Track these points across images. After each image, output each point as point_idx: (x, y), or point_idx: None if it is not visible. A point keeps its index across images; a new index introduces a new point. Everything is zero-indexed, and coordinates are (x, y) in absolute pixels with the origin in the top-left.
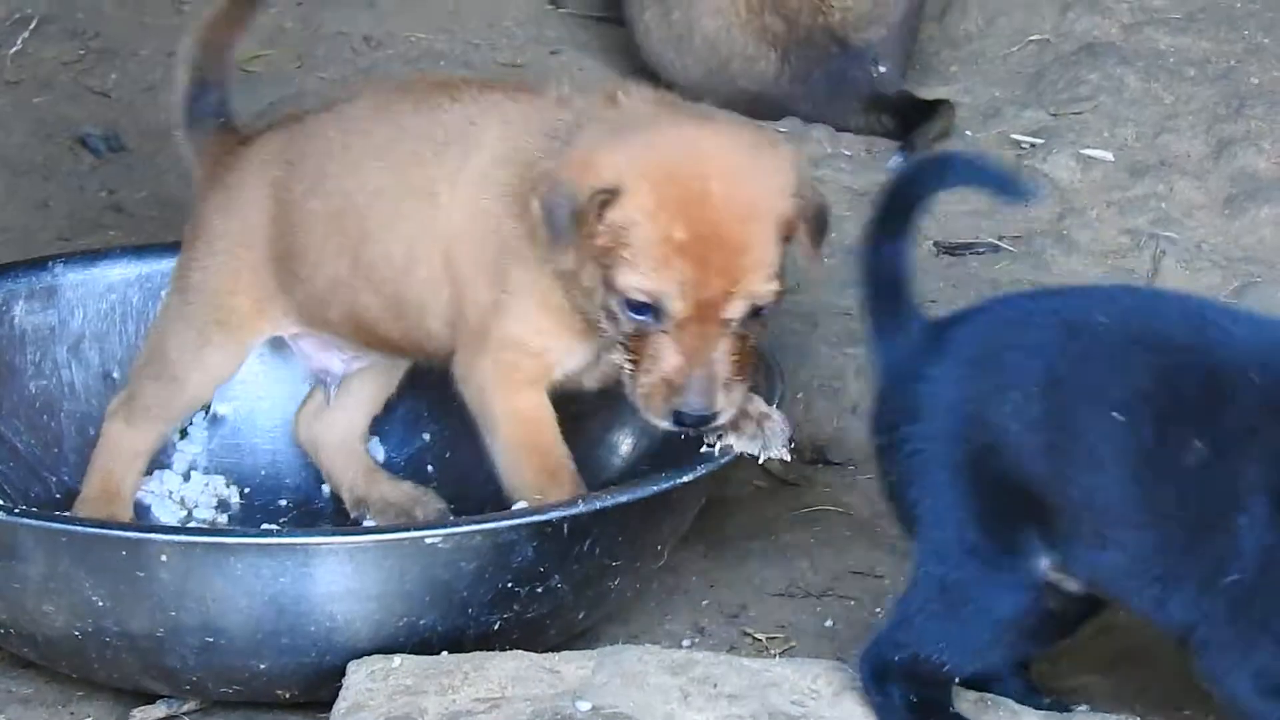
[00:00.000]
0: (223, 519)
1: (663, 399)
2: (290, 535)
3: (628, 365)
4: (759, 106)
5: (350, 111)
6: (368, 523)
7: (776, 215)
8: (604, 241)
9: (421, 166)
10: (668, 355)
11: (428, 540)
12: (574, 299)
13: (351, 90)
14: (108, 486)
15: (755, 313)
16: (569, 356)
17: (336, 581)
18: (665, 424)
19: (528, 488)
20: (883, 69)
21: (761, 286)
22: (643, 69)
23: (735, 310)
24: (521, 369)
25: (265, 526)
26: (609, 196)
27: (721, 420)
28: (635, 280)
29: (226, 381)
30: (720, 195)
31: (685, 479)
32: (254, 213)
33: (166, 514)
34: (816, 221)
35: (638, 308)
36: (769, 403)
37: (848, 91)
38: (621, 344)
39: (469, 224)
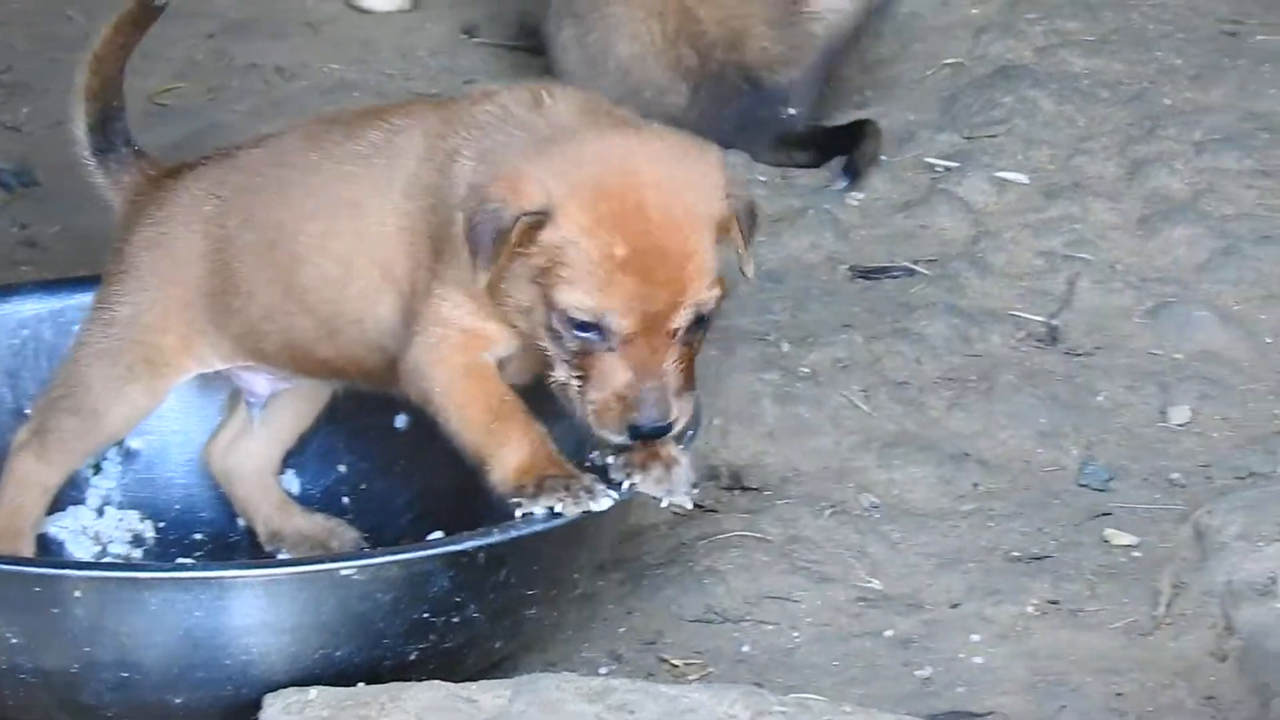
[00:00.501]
0: (137, 554)
1: (617, 415)
2: (205, 569)
3: (574, 382)
4: None
5: (280, 144)
6: (282, 556)
7: (711, 218)
8: (540, 261)
9: (350, 183)
10: (617, 372)
11: (343, 572)
12: (509, 317)
13: (284, 126)
14: (14, 522)
15: (699, 320)
16: (499, 343)
17: (252, 615)
18: (620, 439)
19: (477, 437)
20: (792, 111)
21: (706, 293)
22: None
23: (682, 320)
24: (454, 340)
25: (180, 561)
26: (539, 219)
27: (676, 429)
28: (577, 299)
29: (145, 418)
30: (656, 205)
31: (599, 508)
32: (184, 249)
33: (81, 550)
34: (748, 219)
35: (582, 326)
36: (681, 439)
37: (756, 131)
38: (566, 361)
39: (400, 229)
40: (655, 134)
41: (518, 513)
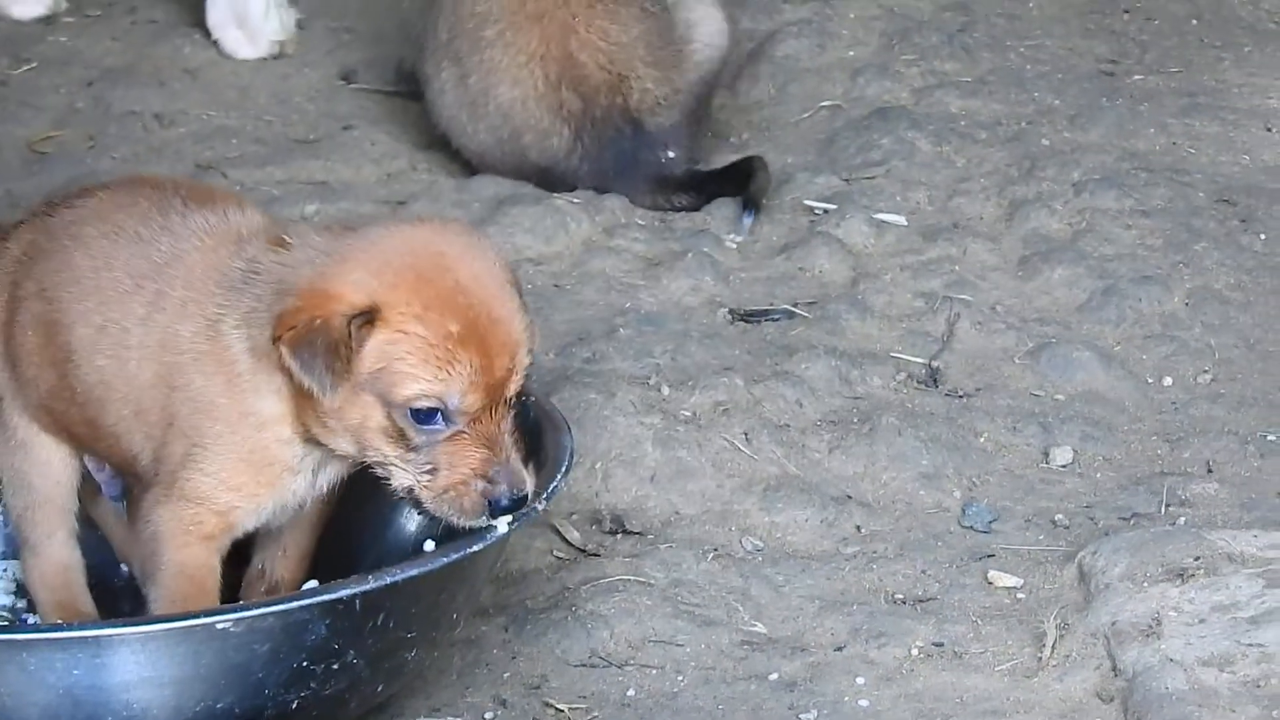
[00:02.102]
0: (22, 603)
1: (478, 497)
2: (80, 628)
3: (423, 479)
4: (548, 181)
5: (78, 214)
6: None
7: (511, 283)
8: (374, 364)
9: (121, 302)
10: (470, 452)
11: (219, 625)
12: (333, 444)
13: (101, 186)
14: None
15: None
16: (253, 515)
17: (130, 670)
18: (481, 521)
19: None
20: (671, 154)
21: (528, 356)
22: (436, 139)
23: (516, 385)
24: (200, 524)
25: None
26: (368, 317)
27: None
28: (422, 388)
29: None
30: (470, 278)
31: (474, 549)
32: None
33: None
34: (518, 284)
35: (427, 416)
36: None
37: (637, 174)
38: (409, 462)
39: (158, 377)
40: (417, 221)
41: None
